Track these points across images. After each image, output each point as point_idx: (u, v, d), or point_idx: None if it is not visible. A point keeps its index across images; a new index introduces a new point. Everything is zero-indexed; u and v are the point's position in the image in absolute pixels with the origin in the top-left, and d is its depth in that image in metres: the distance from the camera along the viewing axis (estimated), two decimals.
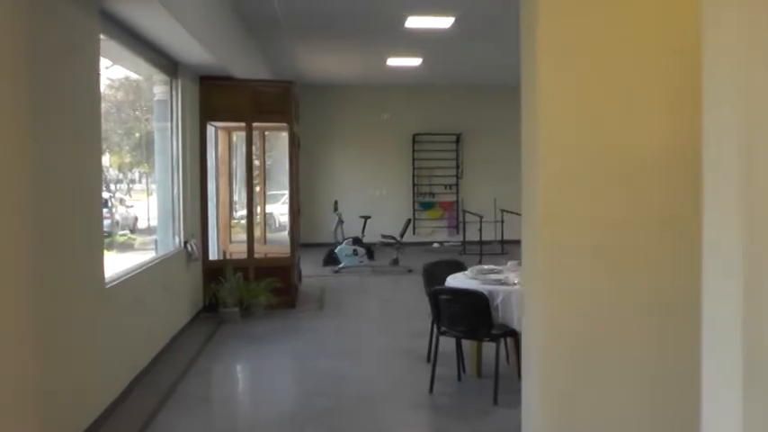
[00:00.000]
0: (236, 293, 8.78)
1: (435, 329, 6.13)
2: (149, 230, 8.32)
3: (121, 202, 9.14)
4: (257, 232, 10.37)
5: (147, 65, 7.20)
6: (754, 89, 1.53)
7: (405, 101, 16.92)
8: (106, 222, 6.78)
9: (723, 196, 1.63)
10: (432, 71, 14.53)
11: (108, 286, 5.52)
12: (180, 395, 6.00)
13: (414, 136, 17.02)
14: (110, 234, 7.47)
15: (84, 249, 5.05)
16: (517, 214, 14.65)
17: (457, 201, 17.24)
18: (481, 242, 14.16)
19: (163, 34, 6.60)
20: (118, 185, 9.30)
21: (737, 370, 1.56)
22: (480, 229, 14.25)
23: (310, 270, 12.34)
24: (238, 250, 10.19)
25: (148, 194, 8.59)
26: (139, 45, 6.77)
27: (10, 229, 3.83)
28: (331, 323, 8.88)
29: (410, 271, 12.79)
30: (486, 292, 5.81)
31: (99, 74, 5.41)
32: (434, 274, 6.94)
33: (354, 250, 13.07)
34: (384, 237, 13.69)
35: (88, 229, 5.17)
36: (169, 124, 7.97)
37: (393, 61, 13.41)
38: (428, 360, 6.78)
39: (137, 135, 8.89)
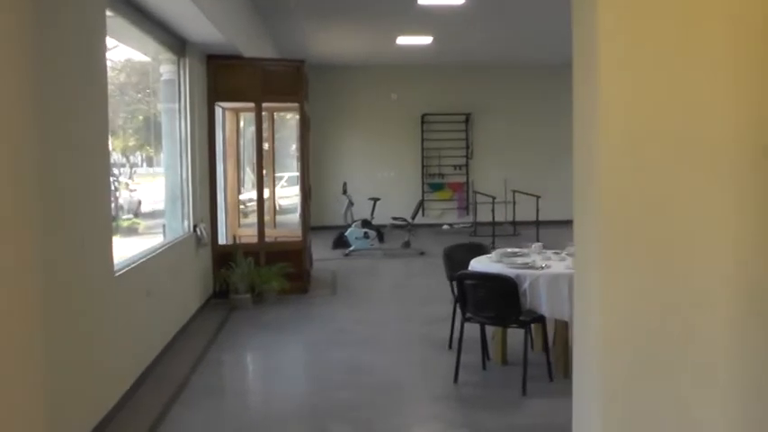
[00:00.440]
0: (248, 279, 8.52)
1: (460, 316, 5.85)
2: (153, 214, 8.08)
3: (125, 185, 8.90)
4: (267, 216, 10.09)
5: (154, 43, 6.92)
6: None
7: (414, 81, 16.61)
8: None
9: None
10: (442, 50, 14.20)
11: (117, 274, 5.25)
12: (192, 388, 5.74)
13: (423, 116, 16.72)
14: (114, 218, 7.26)
15: (91, 236, 4.78)
16: (529, 195, 14.52)
17: (467, 182, 16.97)
18: (494, 223, 13.87)
19: (171, 9, 6.30)
20: (121, 169, 9.08)
21: None
22: (493, 210, 13.97)
23: (320, 254, 12.06)
24: (248, 234, 9.93)
25: (153, 178, 8.33)
26: (147, 22, 6.48)
27: (16, 219, 3.56)
28: (345, 309, 8.62)
29: (422, 254, 12.55)
30: (512, 277, 5.54)
31: (105, 52, 5.12)
32: (455, 258, 6.69)
33: (365, 233, 12.81)
34: (395, 219, 13.44)
35: (96, 214, 4.89)
36: (177, 105, 7.69)
37: (403, 40, 13.09)
38: (449, 347, 6.58)
39: (140, 118, 8.64)
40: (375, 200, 13.92)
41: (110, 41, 5.37)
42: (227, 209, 9.90)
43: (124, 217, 8.31)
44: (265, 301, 8.62)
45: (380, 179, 16.59)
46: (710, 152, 2.81)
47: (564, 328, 5.88)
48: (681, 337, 2.84)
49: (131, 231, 8.11)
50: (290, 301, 8.72)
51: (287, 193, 14.16)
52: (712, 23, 2.78)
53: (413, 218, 13.47)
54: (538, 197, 13.39)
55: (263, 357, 6.97)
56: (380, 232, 13.22)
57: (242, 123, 10.79)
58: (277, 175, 13.28)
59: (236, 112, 10.25)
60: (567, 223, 13.87)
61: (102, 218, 5.00)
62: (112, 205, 7.05)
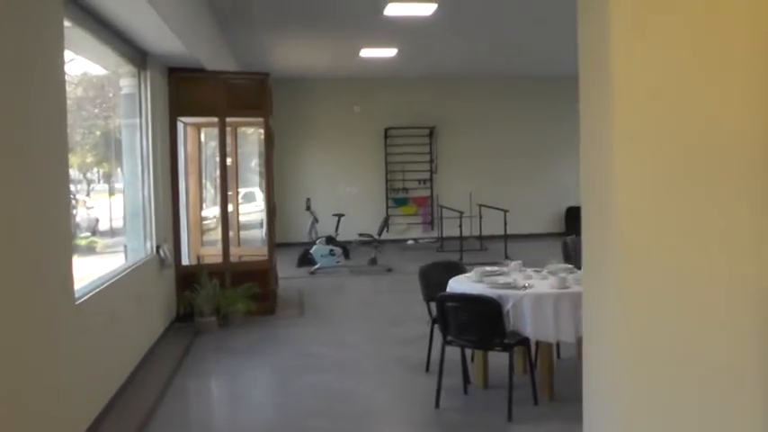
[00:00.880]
0: (213, 301, 8.18)
1: (441, 338, 5.59)
2: (112, 232, 7.72)
3: (83, 203, 8.54)
4: (231, 231, 9.75)
5: (114, 55, 6.59)
6: None
7: (377, 94, 16.41)
8: None
9: None
10: (406, 62, 14.00)
11: (78, 302, 4.90)
12: (160, 419, 5.39)
13: (386, 130, 16.51)
14: (72, 237, 6.93)
15: (50, 262, 4.43)
16: (496, 209, 14.36)
17: (431, 196, 16.78)
18: (461, 238, 13.67)
19: (132, 19, 5.98)
20: (78, 186, 8.75)
21: None
22: (460, 226, 13.77)
23: (285, 272, 11.71)
24: (211, 253, 9.59)
25: (111, 195, 7.98)
26: (106, 32, 6.16)
27: None
28: (314, 331, 8.30)
29: (389, 270, 12.29)
30: (495, 298, 5.31)
31: (64, 63, 4.79)
32: (431, 278, 6.46)
33: (331, 250, 12.52)
34: (361, 235, 13.18)
35: (55, 237, 4.54)
36: (138, 120, 7.35)
37: (367, 52, 12.87)
38: (427, 370, 6.34)
39: (97, 133, 8.29)
40: (339, 216, 13.64)
41: (67, 54, 5.04)
42: (190, 227, 9.55)
43: (81, 235, 7.97)
44: (231, 323, 8.28)
45: (344, 194, 16.32)
46: (734, 165, 2.60)
47: (548, 349, 5.67)
48: (706, 359, 2.62)
49: (90, 250, 7.76)
50: (256, 324, 8.39)
51: (245, 210, 13.80)
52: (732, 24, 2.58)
53: (379, 234, 13.23)
54: (506, 211, 13.22)
55: (231, 384, 6.63)
56: (346, 249, 12.94)
57: (203, 138, 10.46)
58: (244, 191, 12.97)
59: (198, 127, 9.91)
60: (535, 237, 13.80)
61: (61, 242, 4.65)
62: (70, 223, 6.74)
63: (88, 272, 5.84)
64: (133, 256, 7.25)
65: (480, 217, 14.69)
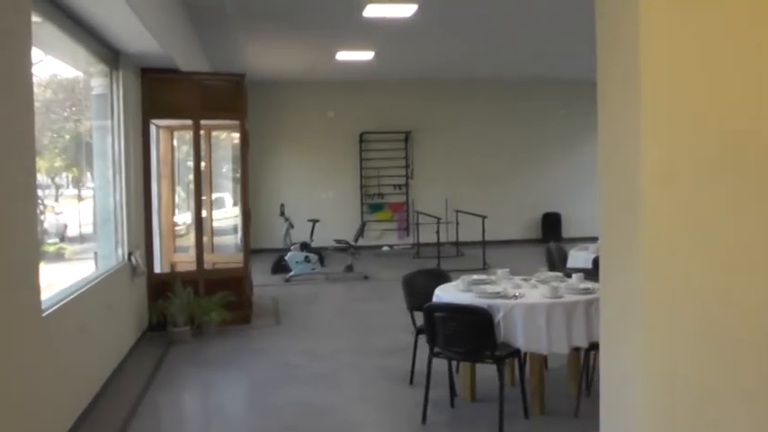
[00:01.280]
0: (187, 310, 7.88)
1: (426, 349, 5.35)
2: (81, 238, 7.41)
3: (51, 208, 8.22)
4: (204, 237, 9.45)
5: (85, 53, 6.29)
6: None
7: (352, 98, 16.20)
8: None
9: None
10: (383, 66, 13.80)
11: (45, 314, 4.60)
12: None
13: (361, 134, 16.28)
14: (39, 243, 6.62)
15: (16, 270, 4.13)
16: (473, 215, 14.17)
17: (407, 202, 16.57)
18: (439, 244, 13.46)
19: (105, 15, 5.71)
20: (45, 191, 8.43)
21: None
22: (438, 232, 13.57)
23: (259, 279, 11.42)
24: (184, 260, 9.29)
25: (80, 200, 7.68)
26: (78, 29, 5.87)
27: None
28: (291, 341, 8.02)
29: (366, 278, 12.04)
30: (485, 308, 5.09)
31: (31, 60, 4.50)
32: (415, 286, 6.24)
33: (307, 257, 12.24)
34: (337, 241, 12.93)
35: (21, 244, 4.24)
36: (109, 122, 7.06)
37: (343, 55, 12.66)
38: (411, 382, 6.12)
39: (67, 137, 7.98)
40: (314, 221, 13.36)
41: (36, 53, 4.75)
42: (162, 234, 9.24)
43: (50, 241, 7.66)
44: (205, 333, 7.99)
45: (319, 199, 16.07)
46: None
47: (540, 361, 5.46)
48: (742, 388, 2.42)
49: (58, 257, 7.46)
50: (231, 333, 8.11)
51: (217, 216, 13.48)
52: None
53: (355, 240, 12.99)
54: (484, 217, 13.02)
55: (206, 398, 6.36)
56: (321, 255, 12.68)
57: (175, 142, 10.15)
58: (215, 196, 12.63)
59: (171, 130, 9.61)
60: (512, 243, 13.56)
61: (28, 251, 4.36)
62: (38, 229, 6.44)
63: (56, 279, 5.56)
64: (104, 263, 6.95)
65: (457, 223, 14.51)
